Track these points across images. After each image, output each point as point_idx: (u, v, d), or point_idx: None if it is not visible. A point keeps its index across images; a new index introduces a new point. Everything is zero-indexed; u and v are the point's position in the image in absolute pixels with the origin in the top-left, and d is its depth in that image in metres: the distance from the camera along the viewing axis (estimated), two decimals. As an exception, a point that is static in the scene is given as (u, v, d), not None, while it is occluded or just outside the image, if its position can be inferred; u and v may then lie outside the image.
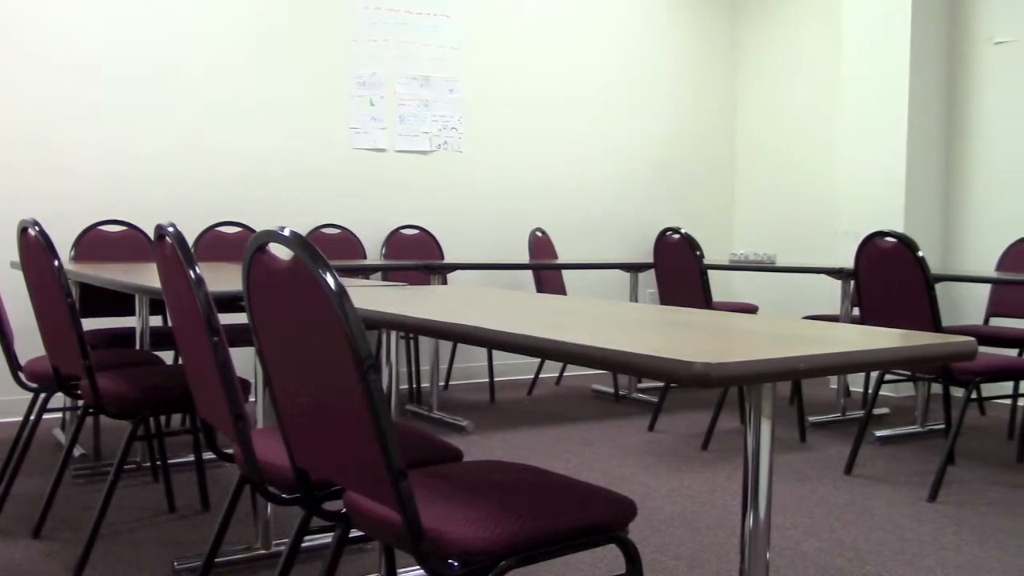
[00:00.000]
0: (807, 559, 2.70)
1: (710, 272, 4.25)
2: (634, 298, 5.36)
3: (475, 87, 5.76)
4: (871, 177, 5.52)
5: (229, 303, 2.22)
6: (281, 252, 1.43)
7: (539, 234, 5.72)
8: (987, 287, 4.99)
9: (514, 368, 5.98)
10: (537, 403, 5.12)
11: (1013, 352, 4.46)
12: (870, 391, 4.64)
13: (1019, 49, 5.25)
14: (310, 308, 1.35)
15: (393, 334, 2.63)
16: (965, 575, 2.58)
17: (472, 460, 1.77)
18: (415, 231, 5.53)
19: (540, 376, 5.93)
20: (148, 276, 2.84)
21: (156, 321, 4.23)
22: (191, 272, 1.73)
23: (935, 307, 3.40)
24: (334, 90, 5.30)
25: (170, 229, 1.83)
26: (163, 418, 4.23)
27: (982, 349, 4.25)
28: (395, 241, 5.45)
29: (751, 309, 5.33)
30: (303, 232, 5.12)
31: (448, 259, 5.18)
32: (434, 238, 5.56)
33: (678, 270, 4.34)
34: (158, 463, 3.47)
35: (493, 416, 4.73)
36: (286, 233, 1.38)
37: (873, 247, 3.61)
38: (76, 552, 2.65)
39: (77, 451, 3.79)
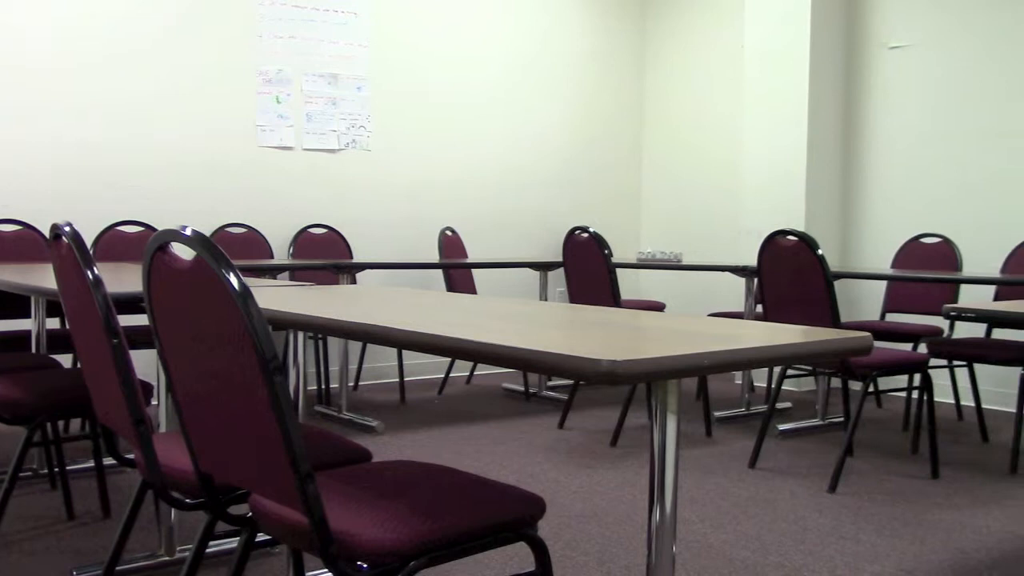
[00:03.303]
0: (713, 551, 2.75)
1: (618, 270, 4.30)
2: (544, 297, 5.39)
3: (384, 85, 5.72)
4: (773, 177, 5.66)
5: (130, 304, 2.16)
6: (183, 252, 1.40)
7: (449, 233, 5.71)
8: (883, 284, 5.16)
9: (424, 367, 5.96)
10: (448, 402, 5.11)
11: (908, 347, 4.62)
12: (773, 386, 4.75)
13: (913, 53, 5.45)
14: (213, 309, 1.33)
15: (301, 335, 2.60)
16: (863, 563, 2.66)
17: (381, 460, 1.76)
18: (323, 230, 5.47)
19: (451, 375, 5.92)
20: (44, 277, 2.75)
21: (53, 323, 4.09)
22: (89, 273, 1.68)
23: (834, 304, 3.51)
24: (239, 87, 5.21)
25: (66, 228, 1.78)
26: (61, 423, 4.10)
27: (878, 344, 4.40)
28: (303, 240, 5.38)
29: (658, 307, 5.42)
30: (208, 231, 5.01)
31: (357, 258, 5.13)
32: (343, 237, 5.50)
33: (587, 269, 4.39)
34: (56, 470, 3.36)
35: (404, 416, 4.71)
36: (188, 232, 1.35)
37: (775, 245, 3.70)
38: (-32, 564, 2.55)
39: (-31, 459, 3.65)
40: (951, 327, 4.68)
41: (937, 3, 5.31)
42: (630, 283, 6.90)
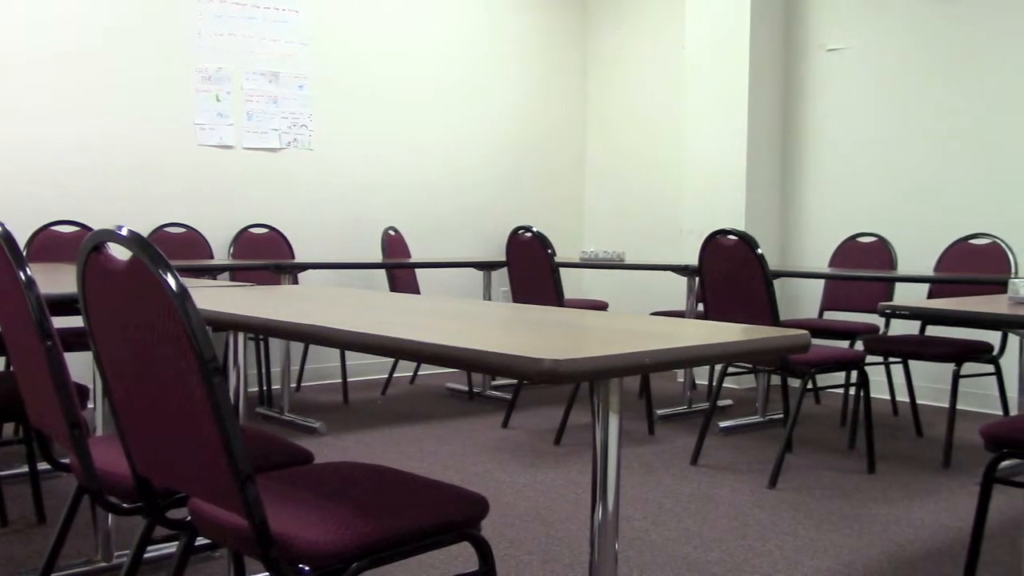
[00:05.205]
0: (655, 548, 2.77)
1: (561, 270, 4.32)
2: (487, 296, 5.40)
3: (325, 84, 5.68)
4: (714, 178, 5.72)
5: (65, 306, 2.11)
6: (120, 252, 1.38)
7: (392, 233, 5.68)
8: (821, 282, 5.25)
9: (368, 368, 5.93)
10: (391, 403, 5.09)
11: (845, 344, 4.70)
12: (714, 384, 4.81)
13: (849, 56, 5.54)
14: (151, 310, 1.30)
15: (241, 336, 2.57)
16: (803, 557, 2.71)
17: (323, 462, 1.74)
18: (264, 230, 5.40)
19: (394, 375, 5.90)
20: (-26, 278, 2.67)
21: (-15, 325, 3.99)
22: (21, 273, 1.64)
23: (773, 302, 3.56)
24: (177, 84, 5.12)
25: (-3, 228, 1.74)
26: (-7, 428, 4.00)
27: (816, 341, 4.47)
28: (244, 240, 5.31)
29: (601, 306, 5.45)
30: (145, 231, 4.93)
31: (299, 259, 5.08)
32: (284, 237, 5.45)
33: (530, 268, 4.40)
34: (-12, 476, 3.28)
35: (346, 417, 4.68)
36: (124, 232, 1.33)
37: (716, 245, 3.74)
38: None
39: None
40: (887, 324, 4.77)
41: (873, 7, 5.42)
42: (573, 282, 6.93)
